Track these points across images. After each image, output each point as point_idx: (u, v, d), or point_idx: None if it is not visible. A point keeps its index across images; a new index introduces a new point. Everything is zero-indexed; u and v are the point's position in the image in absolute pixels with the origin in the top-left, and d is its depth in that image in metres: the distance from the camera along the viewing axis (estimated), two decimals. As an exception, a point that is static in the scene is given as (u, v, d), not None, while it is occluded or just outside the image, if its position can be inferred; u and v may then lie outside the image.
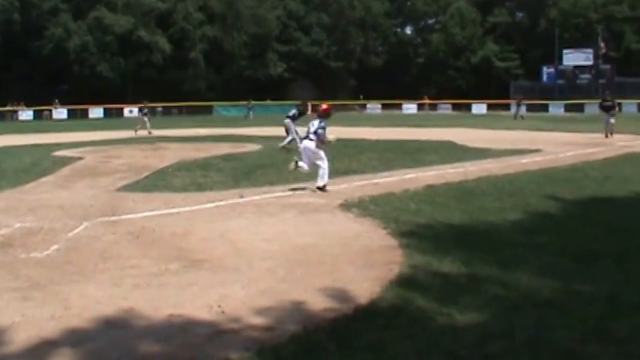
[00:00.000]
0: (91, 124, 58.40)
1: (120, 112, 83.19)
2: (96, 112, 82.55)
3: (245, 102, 77.58)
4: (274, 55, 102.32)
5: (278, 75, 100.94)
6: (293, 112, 27.76)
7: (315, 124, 15.46)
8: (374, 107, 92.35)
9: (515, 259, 8.29)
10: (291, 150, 23.88)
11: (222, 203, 13.07)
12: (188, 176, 17.88)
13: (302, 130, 19.38)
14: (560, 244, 9.12)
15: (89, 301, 6.97)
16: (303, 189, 14.95)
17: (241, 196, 13.93)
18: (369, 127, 33.23)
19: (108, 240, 9.94)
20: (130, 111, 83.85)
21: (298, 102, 32.60)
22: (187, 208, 12.54)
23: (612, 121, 31.47)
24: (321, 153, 15.07)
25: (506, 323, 6.09)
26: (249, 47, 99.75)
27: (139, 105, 48.35)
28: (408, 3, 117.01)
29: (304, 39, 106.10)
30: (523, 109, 63.43)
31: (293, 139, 25.83)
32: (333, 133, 15.76)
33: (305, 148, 15.50)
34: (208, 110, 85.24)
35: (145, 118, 42.34)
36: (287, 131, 26.78)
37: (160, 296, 7.13)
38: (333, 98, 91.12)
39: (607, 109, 31.99)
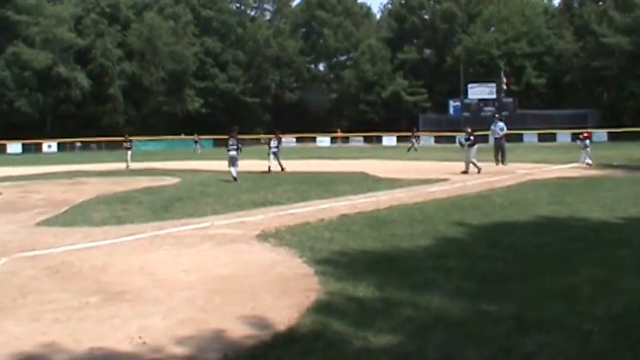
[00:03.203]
0: (8, 160, 57.30)
1: (38, 147, 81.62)
2: (14, 147, 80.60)
3: (191, 136, 77.17)
4: (191, 90, 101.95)
5: (195, 110, 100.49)
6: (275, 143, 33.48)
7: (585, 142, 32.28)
8: (289, 140, 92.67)
9: (426, 283, 8.36)
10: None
11: (141, 236, 12.87)
12: (107, 210, 17.56)
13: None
14: (467, 267, 9.24)
15: (8, 337, 6.76)
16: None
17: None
18: (284, 159, 33.27)
19: (27, 275, 9.67)
20: (49, 146, 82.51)
21: (274, 135, 34.74)
22: (107, 242, 12.31)
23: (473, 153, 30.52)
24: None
25: (418, 344, 6.14)
26: (167, 83, 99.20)
27: (122, 139, 47.55)
28: (321, 41, 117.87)
29: (221, 75, 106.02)
30: (415, 141, 64.76)
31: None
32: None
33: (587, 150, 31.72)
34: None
35: (129, 153, 41.96)
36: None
37: (80, 330, 6.95)
38: (249, 132, 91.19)
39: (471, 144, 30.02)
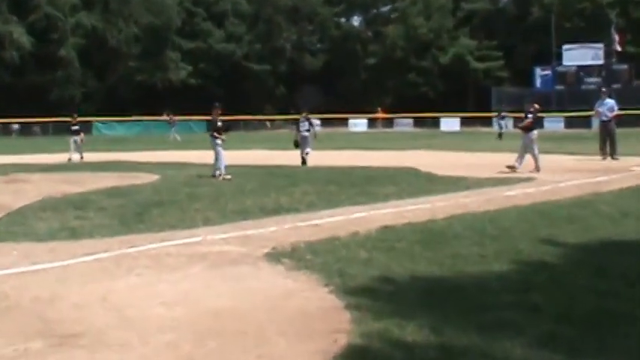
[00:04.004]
0: None
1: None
2: None
3: (166, 117, 76.72)
4: (176, 53, 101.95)
5: (181, 81, 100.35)
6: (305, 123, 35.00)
7: None
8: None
9: (502, 325, 8.32)
10: None
11: (105, 255, 12.88)
12: (57, 219, 17.60)
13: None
14: (562, 304, 9.18)
15: None
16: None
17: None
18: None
19: (-58, 310, 9.73)
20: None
21: (302, 115, 36.11)
22: (57, 264, 12.30)
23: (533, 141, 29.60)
24: None
25: (492, 411, 6.13)
26: (142, 43, 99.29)
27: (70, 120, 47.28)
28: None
29: (217, 33, 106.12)
30: (506, 124, 64.58)
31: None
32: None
33: None
34: (85, 128, 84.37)
35: (73, 139, 42.24)
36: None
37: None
38: (257, 112, 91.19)
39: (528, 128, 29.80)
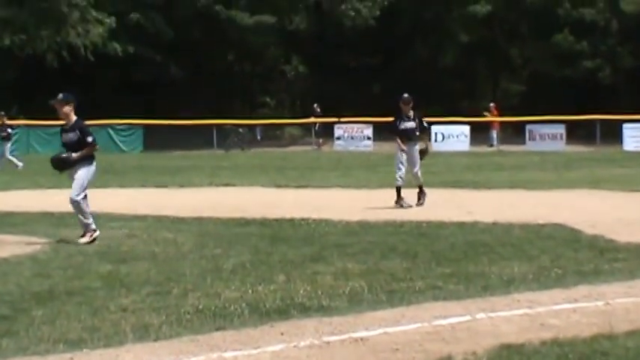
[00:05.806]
0: None
1: None
2: None
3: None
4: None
5: (94, 47, 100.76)
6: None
7: None
8: (349, 132, 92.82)
9: None
10: None
11: None
12: None
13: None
14: None
15: None
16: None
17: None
18: (342, 185, 33.44)
19: None
20: None
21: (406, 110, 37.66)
22: None
23: None
24: None
25: None
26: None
27: None
28: None
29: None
30: None
31: None
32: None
33: None
34: None
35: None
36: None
37: None
38: (248, 114, 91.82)
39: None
